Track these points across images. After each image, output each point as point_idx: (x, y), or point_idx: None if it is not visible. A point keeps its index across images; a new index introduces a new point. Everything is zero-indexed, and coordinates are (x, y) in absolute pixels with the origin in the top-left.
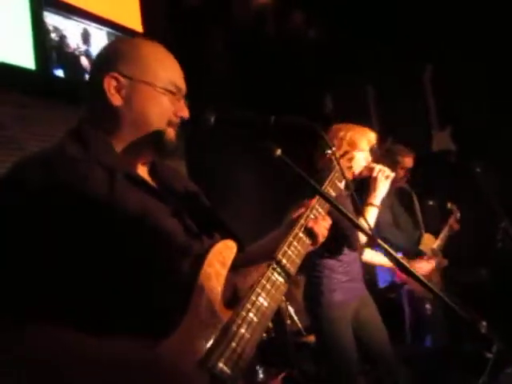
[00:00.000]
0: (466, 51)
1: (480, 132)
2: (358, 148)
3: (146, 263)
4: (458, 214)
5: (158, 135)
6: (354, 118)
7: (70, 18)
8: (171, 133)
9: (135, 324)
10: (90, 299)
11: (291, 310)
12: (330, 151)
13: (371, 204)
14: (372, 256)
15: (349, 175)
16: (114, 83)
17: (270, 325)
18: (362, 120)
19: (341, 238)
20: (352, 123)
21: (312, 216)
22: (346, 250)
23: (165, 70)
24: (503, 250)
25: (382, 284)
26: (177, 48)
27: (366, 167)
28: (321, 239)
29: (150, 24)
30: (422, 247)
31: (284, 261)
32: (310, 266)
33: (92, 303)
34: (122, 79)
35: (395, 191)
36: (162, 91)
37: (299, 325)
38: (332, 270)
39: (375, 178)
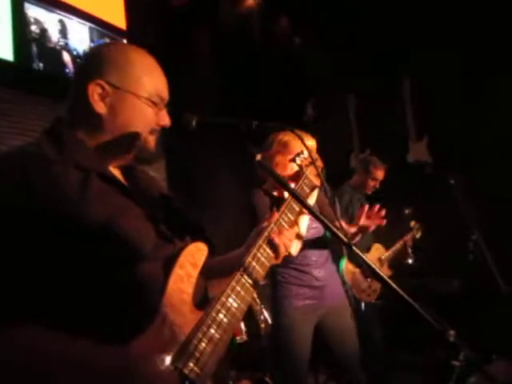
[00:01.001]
0: (443, 65)
1: (455, 144)
2: (291, 153)
3: (116, 264)
4: (419, 234)
5: (140, 144)
6: (334, 125)
7: (52, 11)
8: (152, 141)
9: (104, 326)
10: (58, 301)
11: (265, 312)
12: (301, 157)
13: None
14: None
15: (316, 182)
16: (98, 90)
17: (244, 328)
18: (343, 129)
19: None
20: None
21: (275, 229)
22: (312, 257)
23: (150, 81)
24: (474, 262)
25: None
26: (159, 47)
27: (290, 175)
28: (283, 252)
29: (134, 21)
30: (369, 256)
31: (249, 270)
32: (271, 270)
33: (60, 305)
34: (107, 87)
35: (361, 199)
36: (146, 102)
37: None
38: (291, 276)
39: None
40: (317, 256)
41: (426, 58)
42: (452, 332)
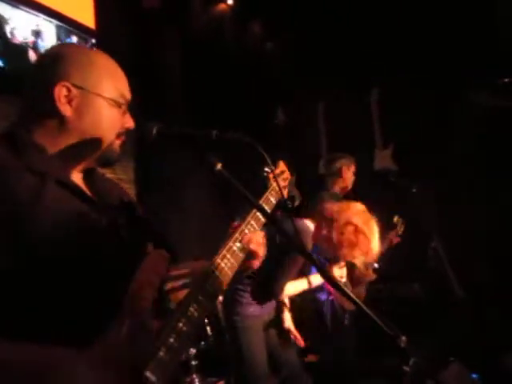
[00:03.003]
0: (411, 77)
1: (419, 153)
2: None
3: (74, 271)
4: (402, 229)
5: (106, 147)
6: (303, 131)
7: (17, 7)
8: (117, 145)
9: (60, 331)
10: (12, 306)
11: None
12: (268, 169)
13: None
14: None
15: (284, 194)
16: (64, 92)
17: (210, 332)
18: (310, 134)
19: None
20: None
21: (240, 238)
22: None
23: (114, 82)
24: (433, 268)
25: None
26: (128, 48)
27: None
28: (256, 250)
29: (103, 21)
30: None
31: (217, 273)
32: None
33: (14, 311)
34: (73, 89)
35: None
36: (112, 103)
37: None
38: (248, 284)
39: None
40: None
41: (395, 68)
42: (403, 338)
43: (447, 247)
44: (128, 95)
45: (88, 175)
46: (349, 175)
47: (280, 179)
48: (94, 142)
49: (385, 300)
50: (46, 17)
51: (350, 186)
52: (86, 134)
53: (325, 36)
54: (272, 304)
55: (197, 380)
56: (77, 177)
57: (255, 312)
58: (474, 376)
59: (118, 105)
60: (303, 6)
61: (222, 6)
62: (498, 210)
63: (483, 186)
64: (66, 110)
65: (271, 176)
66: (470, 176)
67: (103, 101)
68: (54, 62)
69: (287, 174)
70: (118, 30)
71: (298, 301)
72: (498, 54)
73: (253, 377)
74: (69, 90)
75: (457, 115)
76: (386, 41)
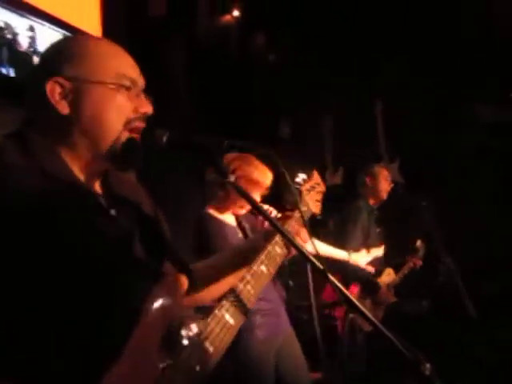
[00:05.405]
0: (416, 89)
1: (423, 166)
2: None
3: (83, 288)
4: (424, 251)
5: (114, 139)
6: (309, 144)
7: (24, 16)
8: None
9: (67, 360)
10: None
11: None
12: (300, 182)
13: None
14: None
15: (316, 209)
16: (58, 89)
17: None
18: (317, 147)
19: None
20: (252, 155)
21: (266, 261)
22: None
23: (112, 63)
24: (444, 285)
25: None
26: (134, 56)
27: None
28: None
29: (109, 31)
30: (380, 280)
31: (241, 297)
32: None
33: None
34: (66, 83)
35: (374, 214)
36: (113, 87)
37: None
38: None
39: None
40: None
41: (400, 81)
42: (428, 365)
43: (455, 262)
44: (135, 75)
45: (106, 177)
46: (376, 184)
47: (314, 192)
48: (99, 135)
49: (393, 316)
50: (51, 25)
51: (383, 196)
52: (89, 131)
53: (328, 48)
54: (281, 324)
55: None
56: (94, 180)
57: (260, 335)
58: None
59: (120, 88)
60: (307, 18)
61: (228, 16)
62: (505, 223)
63: (489, 200)
64: (63, 107)
65: (304, 189)
66: (474, 190)
67: (102, 87)
68: (46, 59)
69: (322, 187)
70: (123, 40)
71: (305, 318)
72: (503, 67)
73: None
74: (62, 86)
75: (459, 128)
76: (390, 53)
